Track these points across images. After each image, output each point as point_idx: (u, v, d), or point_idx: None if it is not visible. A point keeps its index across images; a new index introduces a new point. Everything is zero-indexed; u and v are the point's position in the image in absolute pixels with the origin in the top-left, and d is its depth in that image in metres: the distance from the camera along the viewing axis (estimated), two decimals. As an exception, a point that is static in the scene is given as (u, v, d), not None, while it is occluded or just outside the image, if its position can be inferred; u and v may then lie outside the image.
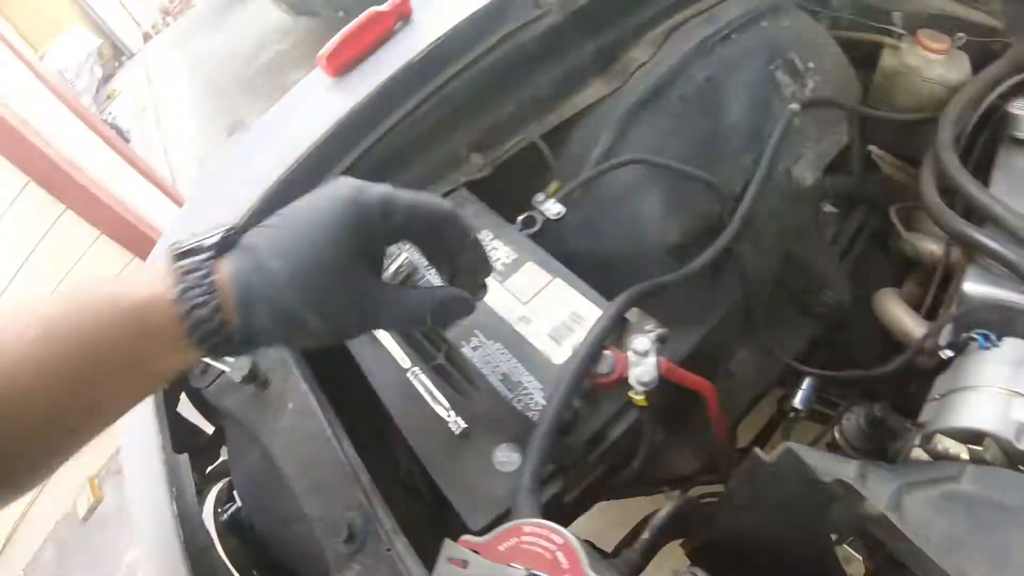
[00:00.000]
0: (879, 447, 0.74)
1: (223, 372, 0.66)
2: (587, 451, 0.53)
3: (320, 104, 0.78)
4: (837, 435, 0.77)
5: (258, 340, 0.43)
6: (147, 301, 0.40)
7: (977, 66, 0.95)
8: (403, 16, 0.80)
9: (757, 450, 0.52)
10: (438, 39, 0.71)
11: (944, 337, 0.75)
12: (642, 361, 0.52)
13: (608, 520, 0.91)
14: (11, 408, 0.37)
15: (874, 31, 1.08)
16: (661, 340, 0.55)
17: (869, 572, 0.64)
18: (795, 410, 0.94)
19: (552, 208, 0.72)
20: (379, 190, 0.44)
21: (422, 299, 0.46)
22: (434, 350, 0.56)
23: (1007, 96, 0.88)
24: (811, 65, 0.96)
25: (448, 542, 0.40)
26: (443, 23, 0.74)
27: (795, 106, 0.89)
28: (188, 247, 0.43)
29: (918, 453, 0.66)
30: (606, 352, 0.53)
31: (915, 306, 0.90)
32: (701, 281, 0.83)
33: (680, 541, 0.86)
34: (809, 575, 0.67)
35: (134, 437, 0.68)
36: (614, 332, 0.56)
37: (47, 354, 0.38)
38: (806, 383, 0.94)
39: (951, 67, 0.98)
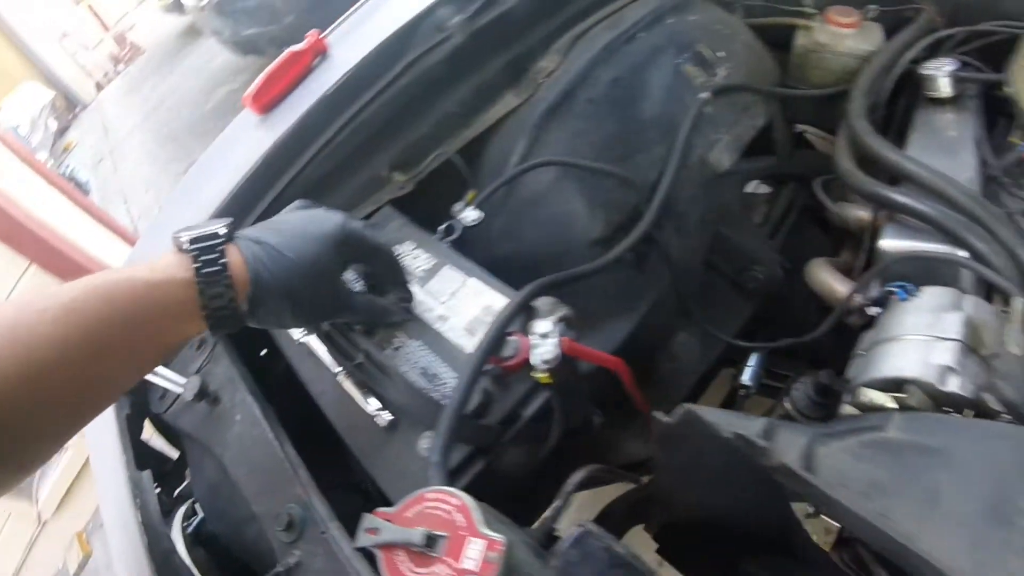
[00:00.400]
0: (831, 414, 0.77)
1: (179, 395, 0.75)
2: (502, 431, 0.61)
3: (249, 141, 0.87)
4: (788, 406, 0.81)
5: (257, 316, 0.55)
6: (163, 281, 0.50)
7: (893, 34, 1.01)
8: (319, 52, 0.90)
9: (657, 413, 0.57)
10: (349, 71, 0.81)
11: (870, 295, 0.80)
12: (543, 342, 0.60)
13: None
14: (35, 380, 0.44)
15: (787, 15, 1.19)
16: (566, 322, 0.64)
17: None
18: (745, 387, 1.01)
19: (470, 215, 0.81)
20: (359, 223, 0.61)
21: (373, 302, 0.66)
22: (355, 351, 0.65)
23: (920, 60, 0.95)
24: (721, 54, 1.06)
25: (365, 515, 0.49)
26: (355, 55, 0.85)
27: (705, 95, 0.98)
28: (198, 234, 0.53)
29: (848, 409, 0.71)
30: (511, 338, 0.62)
31: (849, 272, 0.98)
32: (626, 270, 0.94)
33: (644, 526, 0.95)
34: (778, 548, 0.72)
35: (103, 459, 0.77)
36: (522, 320, 0.65)
37: (67, 330, 0.46)
38: (753, 360, 1.01)
39: (862, 39, 1.05)
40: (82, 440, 0.65)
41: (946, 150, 0.87)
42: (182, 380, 0.74)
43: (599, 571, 0.48)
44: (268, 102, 0.88)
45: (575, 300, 0.83)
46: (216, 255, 0.52)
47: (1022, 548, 0.47)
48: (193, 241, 0.53)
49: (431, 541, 0.45)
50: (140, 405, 0.81)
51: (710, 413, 0.55)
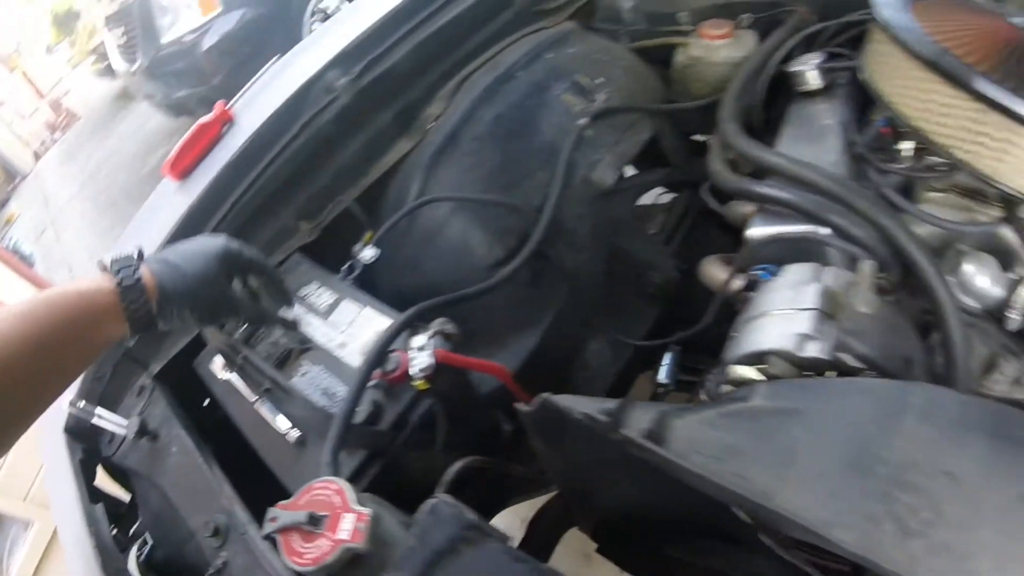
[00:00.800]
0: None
1: (124, 438, 0.91)
2: (395, 435, 0.75)
3: (169, 206, 1.02)
4: (703, 397, 0.86)
5: (165, 317, 0.72)
6: (93, 291, 0.68)
7: (769, 39, 1.11)
8: (226, 121, 1.05)
9: (518, 404, 0.66)
10: (251, 136, 0.96)
11: (744, 281, 0.91)
12: (419, 355, 0.74)
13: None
14: (1, 371, 0.61)
15: (666, 35, 1.37)
16: (442, 335, 0.79)
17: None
18: (663, 385, 1.10)
19: (367, 254, 0.95)
20: (237, 243, 0.79)
21: (255, 305, 0.82)
22: (264, 380, 0.81)
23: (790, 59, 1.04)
24: (599, 81, 1.22)
25: (269, 508, 0.64)
26: (256, 121, 1.01)
27: (583, 121, 1.15)
28: (116, 258, 0.72)
29: (724, 388, 0.78)
30: (393, 354, 0.76)
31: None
32: (523, 288, 1.08)
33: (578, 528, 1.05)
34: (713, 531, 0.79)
35: (61, 498, 0.90)
36: (406, 338, 0.80)
37: (23, 329, 0.63)
38: (667, 358, 1.14)
39: (736, 48, 1.17)
40: (48, 513, 0.79)
41: (814, 138, 0.97)
42: (125, 422, 0.89)
43: (451, 533, 0.59)
44: (184, 169, 1.03)
45: (475, 321, 0.98)
46: (132, 270, 0.70)
47: (881, 493, 0.52)
48: (113, 262, 0.72)
49: (315, 520, 0.59)
50: (92, 451, 0.95)
51: (565, 399, 0.62)
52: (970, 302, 0.85)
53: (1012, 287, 0.82)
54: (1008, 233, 0.84)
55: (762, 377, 0.74)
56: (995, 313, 0.84)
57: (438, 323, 0.82)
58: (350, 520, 0.59)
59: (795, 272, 0.84)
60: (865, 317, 0.76)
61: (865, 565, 0.51)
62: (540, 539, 1.18)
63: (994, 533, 0.51)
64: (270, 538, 0.62)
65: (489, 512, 1.21)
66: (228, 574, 0.69)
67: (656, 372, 1.12)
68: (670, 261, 1.17)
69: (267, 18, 3.65)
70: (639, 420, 0.61)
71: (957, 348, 0.78)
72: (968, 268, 0.83)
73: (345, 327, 0.85)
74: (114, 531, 0.89)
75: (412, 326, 0.80)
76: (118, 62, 4.37)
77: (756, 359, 0.75)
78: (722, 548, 0.81)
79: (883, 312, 0.79)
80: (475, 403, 0.86)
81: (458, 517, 0.61)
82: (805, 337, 0.73)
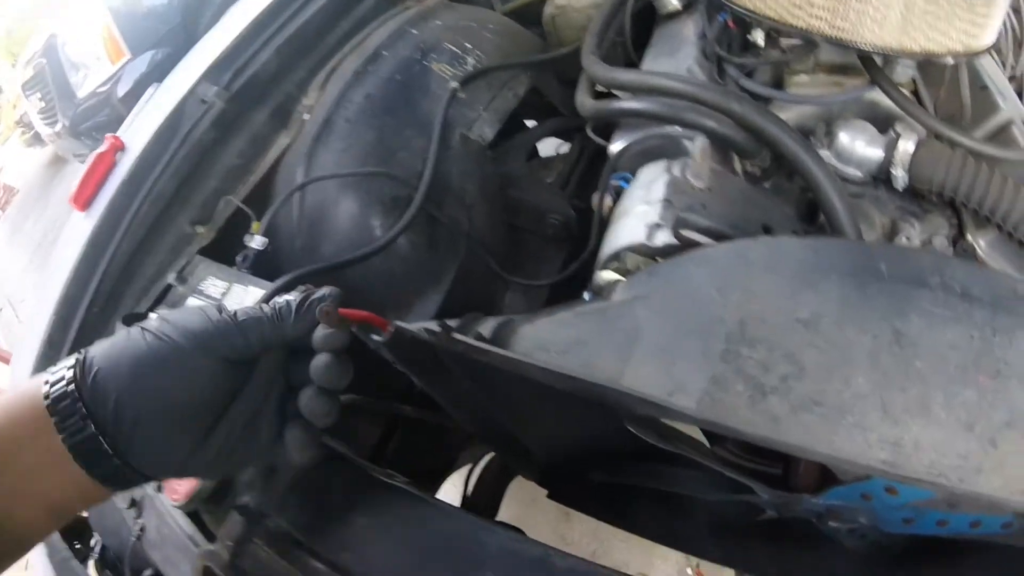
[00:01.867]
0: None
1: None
2: None
3: (77, 235, 1.19)
4: None
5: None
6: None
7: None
8: (119, 148, 1.24)
9: (373, 336, 0.68)
10: (137, 157, 1.15)
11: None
12: None
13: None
14: None
15: (532, -8, 1.53)
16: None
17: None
18: None
19: (257, 242, 1.14)
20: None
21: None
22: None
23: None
24: (469, 45, 1.41)
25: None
26: (140, 143, 1.20)
27: (454, 84, 1.32)
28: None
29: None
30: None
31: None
32: (417, 252, 1.24)
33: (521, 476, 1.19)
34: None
35: None
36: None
37: None
38: (587, 296, 1.34)
39: None
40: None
41: (673, 52, 1.09)
42: None
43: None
44: (87, 199, 1.21)
45: (375, 290, 1.16)
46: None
47: (723, 353, 0.54)
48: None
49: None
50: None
51: (412, 324, 0.66)
52: (853, 171, 0.94)
53: (892, 145, 0.90)
54: (876, 95, 0.93)
55: (618, 277, 0.80)
56: (882, 176, 0.92)
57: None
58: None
59: (647, 171, 0.92)
60: (702, 192, 0.82)
61: (720, 432, 0.53)
62: (485, 493, 1.36)
63: (871, 380, 0.50)
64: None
65: (438, 477, 1.39)
66: (146, 537, 0.86)
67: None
68: (564, 202, 1.34)
69: (177, 56, 3.86)
70: (484, 328, 0.69)
71: (840, 214, 0.83)
72: (844, 136, 0.93)
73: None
74: (77, 545, 1.08)
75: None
76: (42, 127, 4.63)
77: (614, 260, 0.82)
78: (664, 470, 0.84)
79: (724, 184, 0.86)
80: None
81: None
82: (655, 227, 0.78)
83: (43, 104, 4.43)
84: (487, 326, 0.70)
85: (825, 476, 0.68)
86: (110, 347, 0.61)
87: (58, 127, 4.31)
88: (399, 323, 0.66)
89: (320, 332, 0.68)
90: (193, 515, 0.83)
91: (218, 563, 0.70)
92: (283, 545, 0.73)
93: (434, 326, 0.64)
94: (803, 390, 0.51)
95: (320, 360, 0.68)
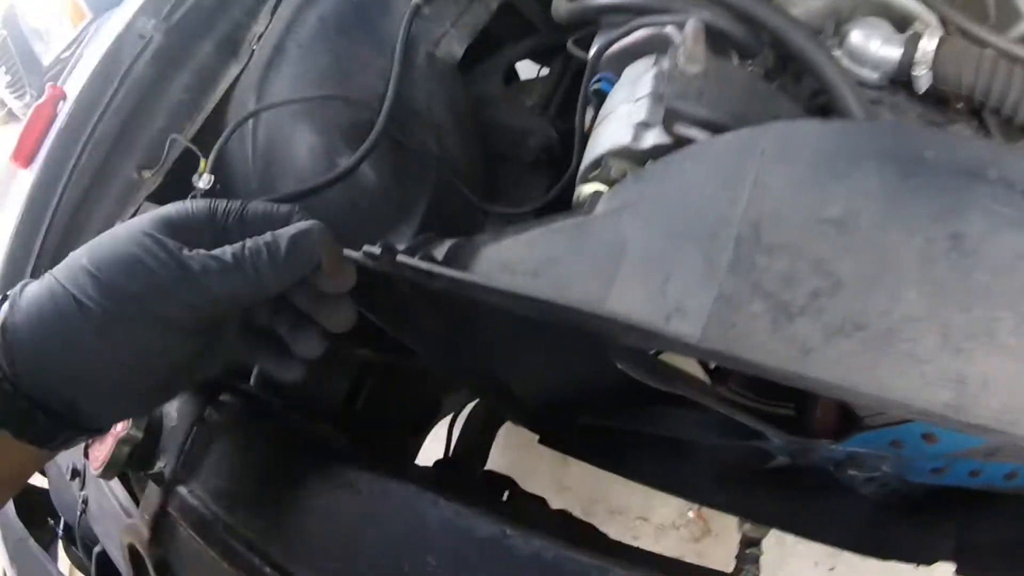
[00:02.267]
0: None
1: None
2: None
3: (18, 193, 1.14)
4: None
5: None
6: None
7: None
8: (60, 98, 1.16)
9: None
10: (73, 102, 1.08)
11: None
12: None
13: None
14: None
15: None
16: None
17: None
18: None
19: (204, 180, 1.06)
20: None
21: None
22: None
23: None
24: (436, -40, 1.31)
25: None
26: (78, 87, 1.12)
27: (417, 0, 1.24)
28: None
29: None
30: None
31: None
32: (384, 181, 1.16)
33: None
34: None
35: None
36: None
37: None
38: None
39: None
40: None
41: None
42: None
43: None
44: (28, 155, 1.14)
45: (334, 224, 1.06)
46: None
47: (734, 262, 0.43)
48: None
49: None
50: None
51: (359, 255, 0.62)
52: (868, 73, 0.83)
53: (912, 43, 0.79)
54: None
55: (603, 187, 0.69)
56: (901, 78, 0.82)
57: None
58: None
59: (633, 68, 0.82)
60: (696, 77, 0.67)
61: (731, 366, 0.43)
62: (472, 441, 1.28)
63: (925, 296, 0.40)
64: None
65: (424, 426, 1.32)
66: (88, 510, 0.81)
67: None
68: (545, 123, 1.25)
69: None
70: (438, 251, 0.61)
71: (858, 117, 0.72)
72: (857, 34, 0.82)
73: (185, 249, 0.96)
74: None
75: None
76: (12, 101, 4.59)
77: (596, 168, 0.71)
78: (661, 412, 0.79)
79: (724, 70, 0.72)
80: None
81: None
82: (642, 126, 0.68)
83: (9, 77, 4.37)
84: (442, 248, 0.62)
85: (845, 417, 0.58)
86: (29, 309, 0.53)
87: (27, 99, 4.25)
88: (348, 252, 0.61)
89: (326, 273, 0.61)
90: (126, 480, 0.76)
91: (139, 540, 0.63)
92: (198, 520, 0.66)
93: (375, 249, 0.58)
94: (839, 309, 0.40)
95: (345, 304, 0.62)
